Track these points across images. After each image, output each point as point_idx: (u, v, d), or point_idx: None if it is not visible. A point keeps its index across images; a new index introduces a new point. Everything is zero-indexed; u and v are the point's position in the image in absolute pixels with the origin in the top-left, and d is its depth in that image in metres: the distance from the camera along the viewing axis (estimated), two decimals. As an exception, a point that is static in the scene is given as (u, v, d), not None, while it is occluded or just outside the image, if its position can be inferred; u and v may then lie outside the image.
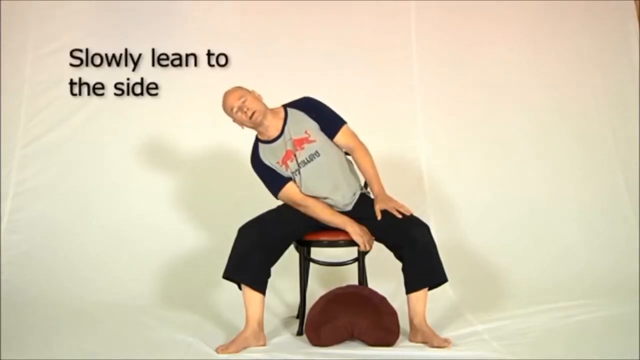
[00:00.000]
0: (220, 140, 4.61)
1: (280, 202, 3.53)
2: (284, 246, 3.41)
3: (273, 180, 3.46)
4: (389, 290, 3.85)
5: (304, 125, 3.43)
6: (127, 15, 4.73)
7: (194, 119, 4.65)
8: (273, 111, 3.46)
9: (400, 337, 3.36)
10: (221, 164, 4.60)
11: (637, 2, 4.96)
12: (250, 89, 3.47)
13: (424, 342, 3.25)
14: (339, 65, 4.73)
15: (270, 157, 3.45)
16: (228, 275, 3.33)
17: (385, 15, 4.83)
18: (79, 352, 3.19)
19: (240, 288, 3.35)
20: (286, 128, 3.43)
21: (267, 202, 3.59)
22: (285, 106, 3.50)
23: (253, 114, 3.36)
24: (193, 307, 3.92)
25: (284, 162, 3.43)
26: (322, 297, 3.37)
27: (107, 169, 4.60)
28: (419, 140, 4.74)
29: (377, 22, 4.82)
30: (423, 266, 3.29)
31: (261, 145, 3.47)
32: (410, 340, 3.32)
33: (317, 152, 3.42)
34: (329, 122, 3.45)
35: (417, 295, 3.30)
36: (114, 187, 4.56)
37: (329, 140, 3.46)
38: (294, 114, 3.45)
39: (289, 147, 3.42)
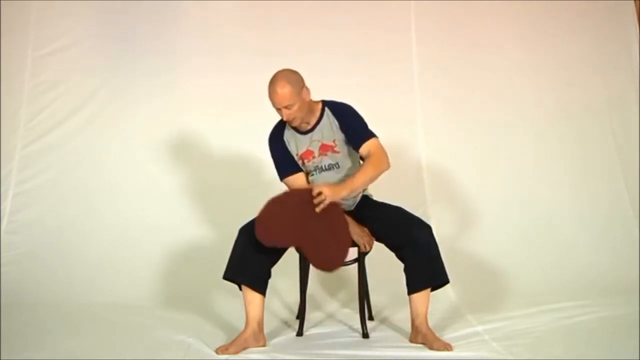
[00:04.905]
0: (221, 141, 4.62)
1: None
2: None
3: (285, 163, 3.43)
4: (390, 291, 3.87)
5: (334, 134, 3.39)
6: (127, 15, 4.74)
7: (196, 120, 4.65)
8: (311, 105, 3.39)
9: (401, 337, 3.39)
10: (222, 165, 4.60)
11: (637, 2, 4.96)
12: (301, 84, 3.29)
13: (424, 344, 3.25)
14: (339, 65, 4.73)
15: (292, 144, 3.43)
16: (228, 275, 3.33)
17: (385, 16, 4.83)
18: (79, 352, 3.19)
19: (240, 289, 3.35)
20: (318, 128, 3.40)
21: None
22: (324, 103, 3.43)
23: (292, 120, 3.32)
24: (193, 307, 3.92)
25: (302, 157, 3.42)
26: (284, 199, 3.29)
27: (107, 169, 4.60)
28: (419, 140, 4.74)
29: (377, 22, 4.82)
30: (424, 267, 3.29)
31: (288, 127, 3.43)
32: (411, 341, 3.32)
33: (337, 164, 3.41)
34: (357, 133, 3.35)
35: (418, 296, 3.30)
36: (114, 187, 4.57)
37: (351, 153, 3.42)
38: (330, 118, 3.39)
39: (313, 148, 3.40)
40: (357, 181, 3.27)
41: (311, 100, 3.38)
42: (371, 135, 3.37)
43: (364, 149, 3.34)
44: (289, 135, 3.44)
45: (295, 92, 3.26)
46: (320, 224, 3.20)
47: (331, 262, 3.24)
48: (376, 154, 3.32)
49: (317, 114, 3.41)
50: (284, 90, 3.24)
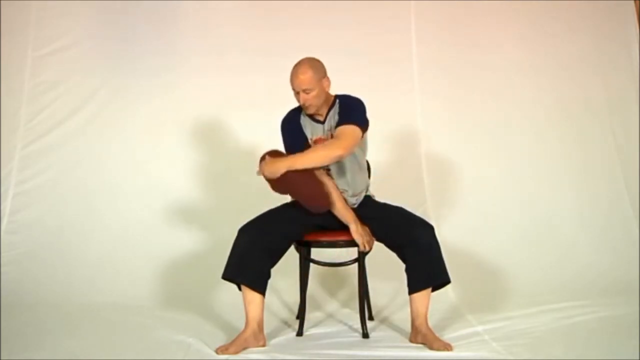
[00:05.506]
0: (221, 141, 4.61)
1: (280, 203, 3.52)
2: (284, 247, 3.40)
3: (298, 142, 3.43)
4: (390, 291, 3.87)
5: (336, 122, 3.43)
6: (127, 15, 4.74)
7: (195, 120, 4.65)
8: (327, 97, 3.46)
9: (401, 337, 3.40)
10: (221, 165, 4.60)
11: (637, 2, 4.96)
12: (323, 73, 3.39)
13: (424, 344, 3.25)
14: (339, 65, 4.68)
15: (308, 129, 3.47)
16: (227, 275, 3.32)
17: (385, 16, 4.83)
18: (79, 352, 3.19)
19: (240, 289, 3.35)
20: (329, 117, 3.45)
21: (267, 202, 3.59)
22: (337, 95, 3.49)
23: (307, 106, 3.38)
24: (193, 307, 3.92)
25: (316, 142, 3.45)
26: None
27: (107, 169, 4.60)
28: (419, 140, 4.73)
29: (377, 22, 4.82)
30: (425, 267, 3.29)
31: (304, 113, 3.47)
32: (411, 341, 3.32)
33: None
34: (346, 116, 3.37)
35: (419, 296, 3.30)
36: (114, 187, 4.57)
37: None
38: (336, 108, 3.45)
39: (326, 136, 3.44)
40: (300, 158, 3.30)
41: (328, 92, 3.44)
42: (356, 122, 3.34)
43: (339, 129, 3.34)
44: (305, 121, 3.48)
45: (316, 78, 3.34)
46: (294, 182, 3.30)
47: (317, 209, 3.34)
48: (341, 136, 3.31)
49: (329, 104, 3.46)
50: (306, 75, 3.33)
